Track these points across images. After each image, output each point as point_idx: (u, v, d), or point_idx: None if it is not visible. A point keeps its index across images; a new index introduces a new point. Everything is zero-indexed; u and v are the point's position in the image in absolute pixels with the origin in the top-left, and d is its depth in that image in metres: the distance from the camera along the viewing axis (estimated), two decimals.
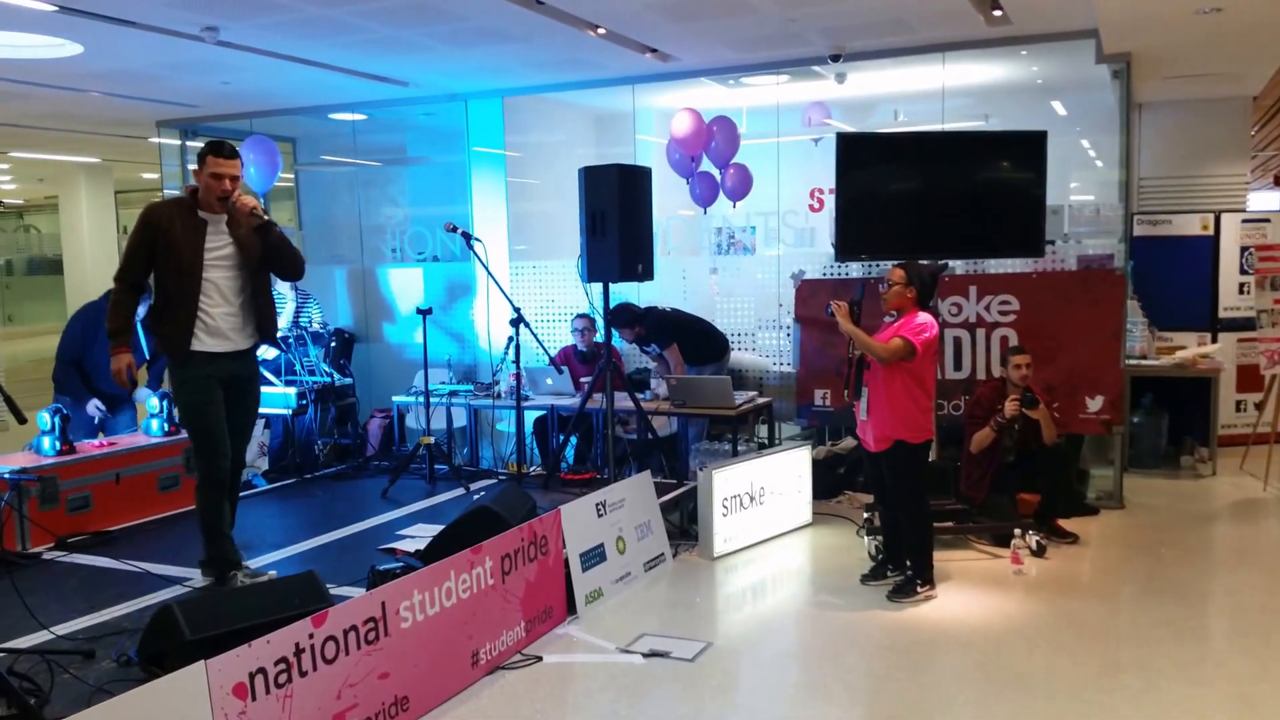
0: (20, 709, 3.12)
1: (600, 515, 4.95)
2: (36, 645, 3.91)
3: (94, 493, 5.74)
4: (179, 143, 9.33)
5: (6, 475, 5.34)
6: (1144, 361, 7.35)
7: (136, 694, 2.73)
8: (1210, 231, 8.11)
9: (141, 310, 5.12)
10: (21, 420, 3.90)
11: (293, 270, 4.94)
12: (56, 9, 5.33)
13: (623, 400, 6.30)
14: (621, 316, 6.85)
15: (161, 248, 4.51)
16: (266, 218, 4.69)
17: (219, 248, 4.59)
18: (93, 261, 12.67)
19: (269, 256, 4.74)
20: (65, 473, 5.62)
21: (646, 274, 6.01)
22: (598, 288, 6.03)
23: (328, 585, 3.98)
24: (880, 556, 5.21)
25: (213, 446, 4.63)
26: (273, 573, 4.84)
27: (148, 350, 6.31)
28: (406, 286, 8.52)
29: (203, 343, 4.56)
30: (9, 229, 18.70)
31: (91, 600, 4.54)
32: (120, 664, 3.75)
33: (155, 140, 9.54)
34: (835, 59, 6.89)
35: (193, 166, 5.02)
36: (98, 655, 3.87)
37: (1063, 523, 5.75)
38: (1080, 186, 8.07)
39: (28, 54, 6.36)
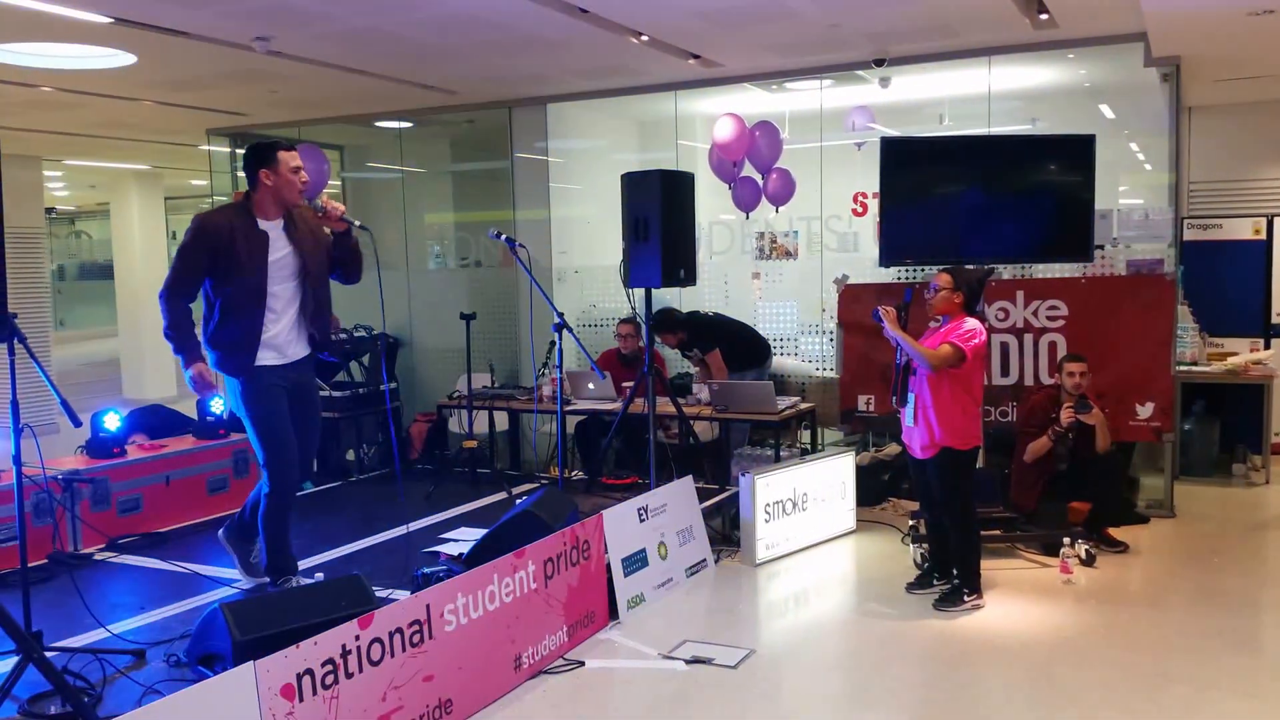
0: (75, 707, 3.18)
1: (642, 520, 4.95)
2: (89, 645, 3.98)
3: (144, 495, 5.84)
4: (228, 150, 9.50)
5: (60, 477, 5.45)
6: (1195, 368, 7.22)
7: (186, 694, 2.77)
8: (1263, 236, 7.95)
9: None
10: (76, 423, 3.98)
11: (358, 273, 4.74)
12: (113, 21, 5.44)
13: (665, 405, 6.30)
14: (663, 322, 6.85)
15: (222, 261, 4.28)
16: (356, 222, 4.55)
17: (281, 257, 4.40)
18: (143, 267, 12.90)
19: (344, 259, 4.59)
20: (116, 475, 5.73)
21: (689, 279, 6.01)
22: (640, 292, 6.03)
23: (373, 588, 4.02)
24: (926, 565, 5.16)
25: (284, 456, 4.48)
26: (319, 575, 4.89)
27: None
28: (450, 291, 8.59)
29: (263, 357, 4.40)
30: (61, 235, 19.10)
31: (142, 601, 4.62)
32: (170, 664, 3.81)
33: (205, 148, 9.72)
34: (879, 64, 6.85)
35: (242, 174, 4.83)
36: (148, 656, 3.93)
37: (1113, 531, 5.66)
38: (1129, 190, 7.94)
39: (83, 65, 6.51)
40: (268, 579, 4.72)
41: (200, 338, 4.44)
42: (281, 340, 4.45)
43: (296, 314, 4.49)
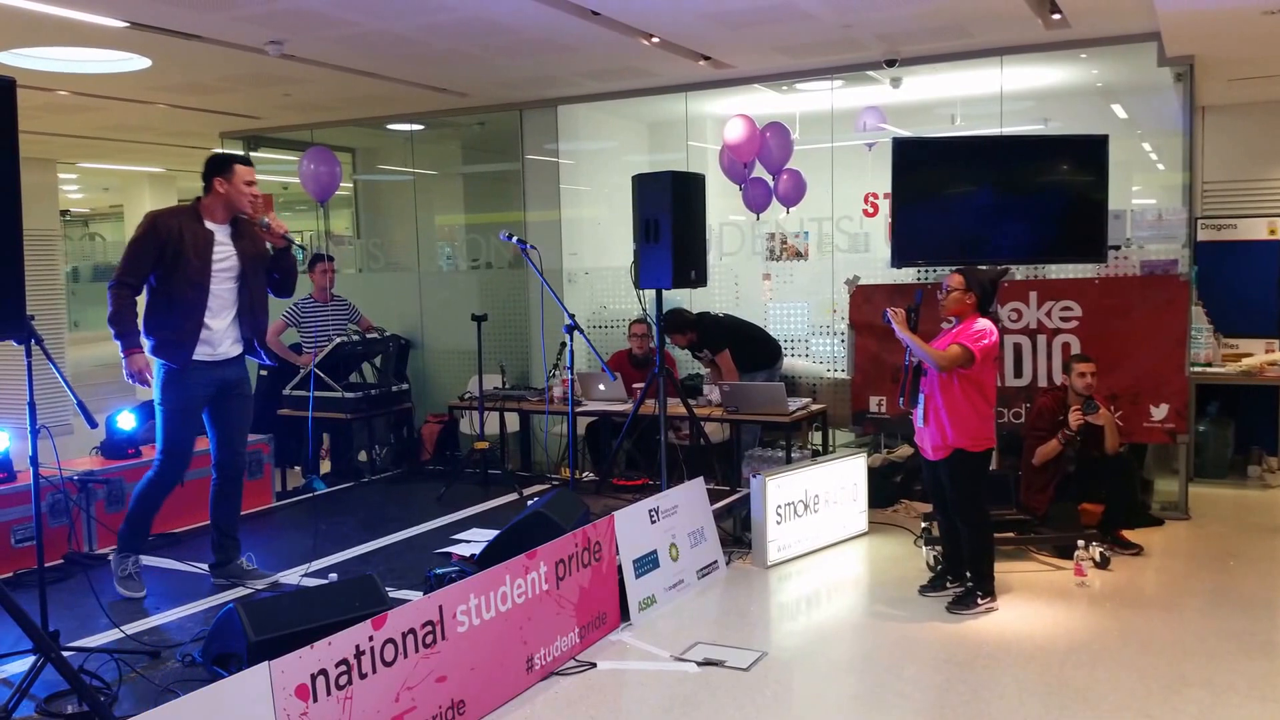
0: (92, 706, 3.19)
1: (653, 521, 4.95)
2: (104, 645, 4.00)
3: None
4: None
5: (75, 478, 5.48)
6: (1209, 369, 7.19)
7: (201, 694, 2.79)
8: (1277, 236, 7.91)
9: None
10: (92, 424, 4.00)
11: (292, 288, 4.99)
12: (128, 25, 5.48)
13: (675, 406, 6.30)
14: (674, 322, 6.85)
15: (170, 256, 4.51)
16: (294, 242, 4.82)
17: (223, 259, 4.63)
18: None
19: (280, 274, 4.84)
20: (131, 476, 5.74)
21: (700, 280, 6.01)
22: (650, 294, 6.04)
23: (385, 588, 4.03)
24: (939, 567, 5.14)
25: (178, 451, 4.71)
26: (333, 575, 4.91)
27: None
28: (461, 293, 8.61)
29: (197, 352, 4.61)
30: (75, 237, 19.20)
31: (156, 601, 4.64)
32: (185, 664, 3.83)
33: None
34: (891, 64, 6.84)
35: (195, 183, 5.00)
36: (163, 655, 3.95)
37: (1127, 533, 5.64)
38: (1142, 191, 7.90)
39: (98, 68, 6.55)
40: (270, 578, 4.86)
41: (140, 326, 4.67)
42: (216, 338, 4.67)
43: (233, 315, 4.72)
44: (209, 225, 4.62)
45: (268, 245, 4.82)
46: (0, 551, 4.97)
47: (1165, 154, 7.37)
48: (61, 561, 5.19)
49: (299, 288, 5.28)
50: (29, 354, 3.63)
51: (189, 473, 6.00)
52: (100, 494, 5.56)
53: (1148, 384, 6.05)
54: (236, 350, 4.78)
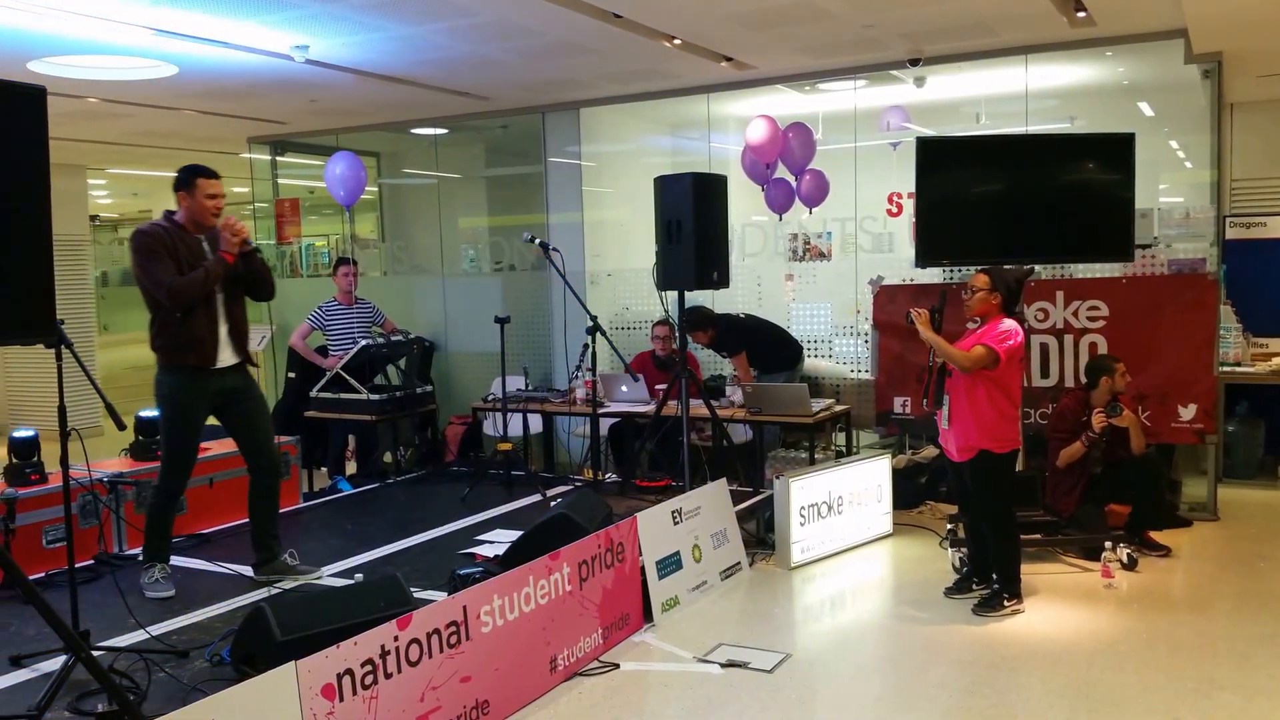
0: (121, 705, 3.23)
1: (676, 523, 4.95)
2: (134, 644, 4.04)
3: (188, 496, 5.91)
4: (269, 158, 9.63)
5: (105, 479, 5.54)
6: (1238, 368, 7.11)
7: (229, 693, 2.81)
8: None
9: None
10: (121, 426, 4.05)
11: (270, 290, 4.98)
12: (154, 32, 5.54)
13: (698, 407, 6.29)
14: (694, 320, 6.83)
15: (169, 264, 4.57)
16: (254, 245, 4.86)
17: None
18: None
19: (251, 279, 4.85)
20: None
21: (722, 281, 6.01)
22: (672, 295, 6.04)
23: (410, 589, 4.05)
24: (965, 569, 5.11)
25: (182, 462, 4.80)
26: (358, 576, 4.94)
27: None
28: (485, 295, 8.64)
29: (199, 359, 4.67)
30: (104, 242, 19.40)
31: (185, 601, 4.69)
32: (213, 664, 3.86)
33: (246, 155, 9.86)
34: (914, 63, 6.81)
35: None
36: (191, 655, 3.99)
37: (1154, 535, 5.59)
38: (1169, 189, 7.82)
39: (126, 75, 6.63)
40: (315, 574, 4.94)
41: (150, 342, 4.74)
42: (215, 347, 4.72)
43: (224, 323, 4.77)
44: (193, 236, 4.70)
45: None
46: (32, 552, 5.04)
47: (1193, 151, 7.30)
48: (91, 562, 5.25)
49: (324, 291, 5.32)
50: (59, 357, 3.68)
51: (217, 475, 6.12)
52: (129, 495, 5.62)
53: (1176, 384, 5.99)
54: (234, 359, 4.83)
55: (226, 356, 4.78)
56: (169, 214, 4.75)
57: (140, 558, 4.94)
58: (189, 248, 4.65)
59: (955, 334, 4.92)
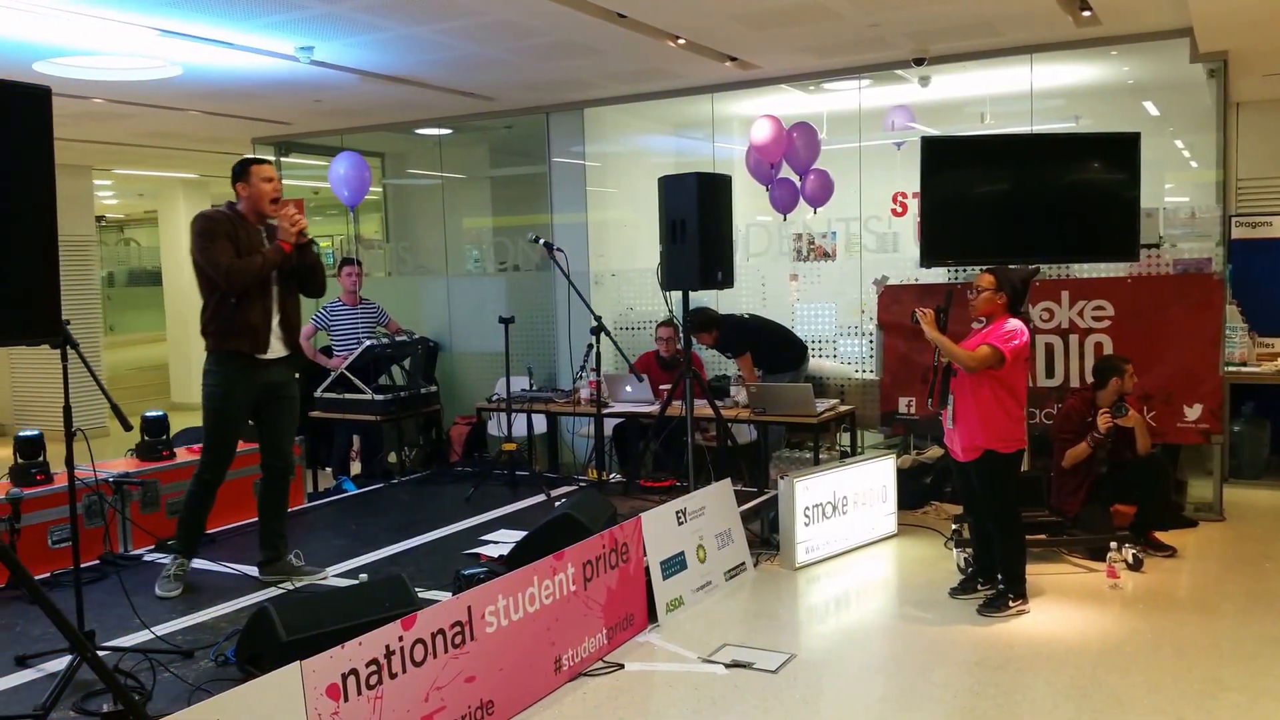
0: (126, 705, 3.23)
1: (680, 523, 4.95)
2: (139, 644, 4.05)
3: None
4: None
5: (111, 479, 5.55)
6: (1244, 368, 7.09)
7: (234, 693, 2.81)
8: None
9: None
10: (127, 427, 4.06)
11: (321, 286, 5.03)
12: (159, 33, 5.55)
13: (703, 407, 6.29)
14: (698, 320, 6.83)
15: (234, 250, 4.62)
16: (311, 238, 4.88)
17: None
18: (190, 273, 13.09)
19: (304, 273, 4.88)
20: (166, 477, 5.82)
21: (726, 281, 6.00)
22: (677, 295, 6.04)
23: (415, 589, 4.05)
24: (970, 569, 5.10)
25: (224, 453, 4.82)
26: (363, 576, 4.95)
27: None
28: (489, 296, 8.65)
29: (248, 346, 4.69)
30: (111, 242, 19.46)
31: (190, 601, 4.69)
32: (218, 664, 3.87)
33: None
34: (919, 62, 6.80)
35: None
36: (196, 655, 4.00)
37: (1160, 535, 5.57)
38: (1175, 188, 7.81)
39: (132, 76, 6.64)
40: (320, 574, 4.94)
41: (202, 326, 4.75)
42: (265, 337, 4.74)
43: (276, 314, 4.79)
44: (253, 226, 4.76)
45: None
46: (37, 552, 5.05)
47: (1198, 151, 7.28)
48: (97, 562, 5.26)
49: (328, 291, 5.33)
50: (65, 358, 3.69)
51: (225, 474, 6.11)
52: (135, 495, 5.63)
53: (1181, 384, 5.98)
54: (283, 352, 4.85)
55: (277, 348, 4.80)
56: (230, 204, 4.83)
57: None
58: (249, 235, 4.70)
59: (960, 334, 4.91)
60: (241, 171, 4.75)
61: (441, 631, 3.43)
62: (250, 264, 4.60)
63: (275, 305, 4.77)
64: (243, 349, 4.69)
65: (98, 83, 6.77)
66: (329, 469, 7.65)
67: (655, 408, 6.68)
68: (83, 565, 4.04)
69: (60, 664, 3.74)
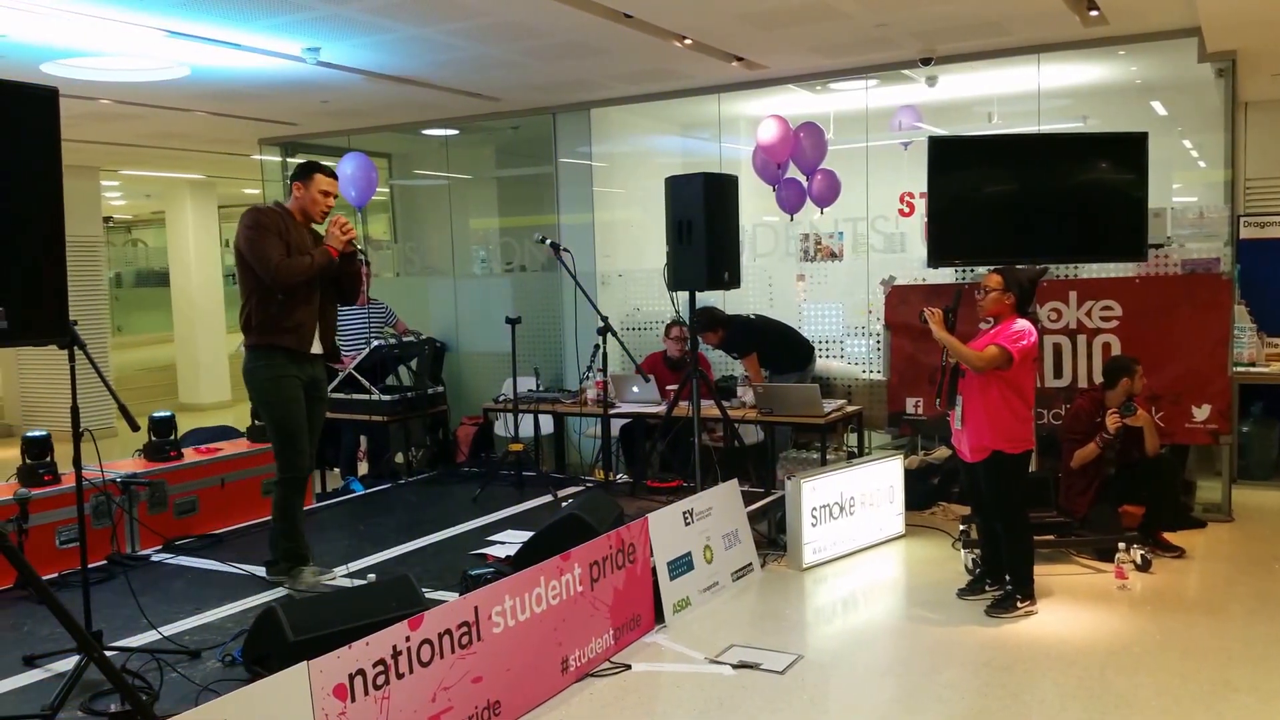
0: (134, 705, 3.24)
1: (687, 524, 4.94)
2: (147, 644, 4.06)
3: (200, 497, 5.95)
4: (280, 159, 9.66)
5: (118, 480, 5.57)
6: (1253, 369, 7.06)
7: (241, 694, 2.82)
8: None
9: None
10: (134, 427, 4.07)
11: (357, 296, 5.07)
12: (166, 34, 5.56)
13: (709, 408, 6.28)
14: (703, 320, 6.82)
15: (280, 246, 4.65)
16: (360, 247, 4.91)
17: None
18: (198, 274, 13.18)
19: (344, 280, 4.90)
20: (173, 478, 5.83)
21: (733, 282, 6.00)
22: (683, 295, 6.03)
23: (422, 589, 4.05)
24: (977, 570, 5.09)
25: (298, 446, 4.80)
26: (371, 576, 4.95)
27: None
28: (496, 296, 8.65)
29: (291, 342, 4.72)
30: (118, 243, 19.53)
31: (198, 601, 4.70)
32: (225, 664, 3.87)
33: (257, 157, 9.89)
34: (926, 62, 6.79)
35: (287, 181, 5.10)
36: (203, 655, 4.00)
37: (1168, 536, 5.55)
38: (1183, 188, 7.78)
39: (139, 77, 6.65)
40: (327, 574, 4.92)
41: (243, 321, 4.75)
42: (306, 333, 4.76)
43: (318, 314, 4.81)
44: (302, 226, 4.80)
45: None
46: (45, 553, 5.06)
47: (1206, 151, 7.26)
48: (104, 563, 5.27)
49: None
50: (72, 358, 3.70)
51: (229, 475, 6.14)
52: (143, 496, 5.64)
53: (1190, 384, 5.96)
54: (319, 349, 4.89)
55: (316, 347, 4.84)
56: (279, 203, 4.86)
57: (273, 563, 4.93)
58: (300, 235, 4.74)
59: (968, 334, 4.90)
60: (304, 174, 4.77)
61: (449, 632, 3.43)
62: (299, 263, 4.62)
63: (318, 308, 4.79)
64: (288, 344, 4.70)
65: (105, 84, 6.79)
66: (336, 469, 7.66)
67: (662, 408, 6.68)
68: (90, 565, 4.05)
69: (68, 664, 3.75)
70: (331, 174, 4.83)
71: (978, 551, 5.14)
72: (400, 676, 3.21)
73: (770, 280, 7.68)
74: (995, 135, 6.70)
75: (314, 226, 4.87)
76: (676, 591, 4.73)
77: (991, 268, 4.87)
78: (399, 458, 7.79)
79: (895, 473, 6.00)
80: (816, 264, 7.56)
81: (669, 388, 6.76)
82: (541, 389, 7.60)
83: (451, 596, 4.10)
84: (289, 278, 4.59)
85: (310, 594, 4.60)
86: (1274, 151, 8.28)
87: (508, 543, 5.38)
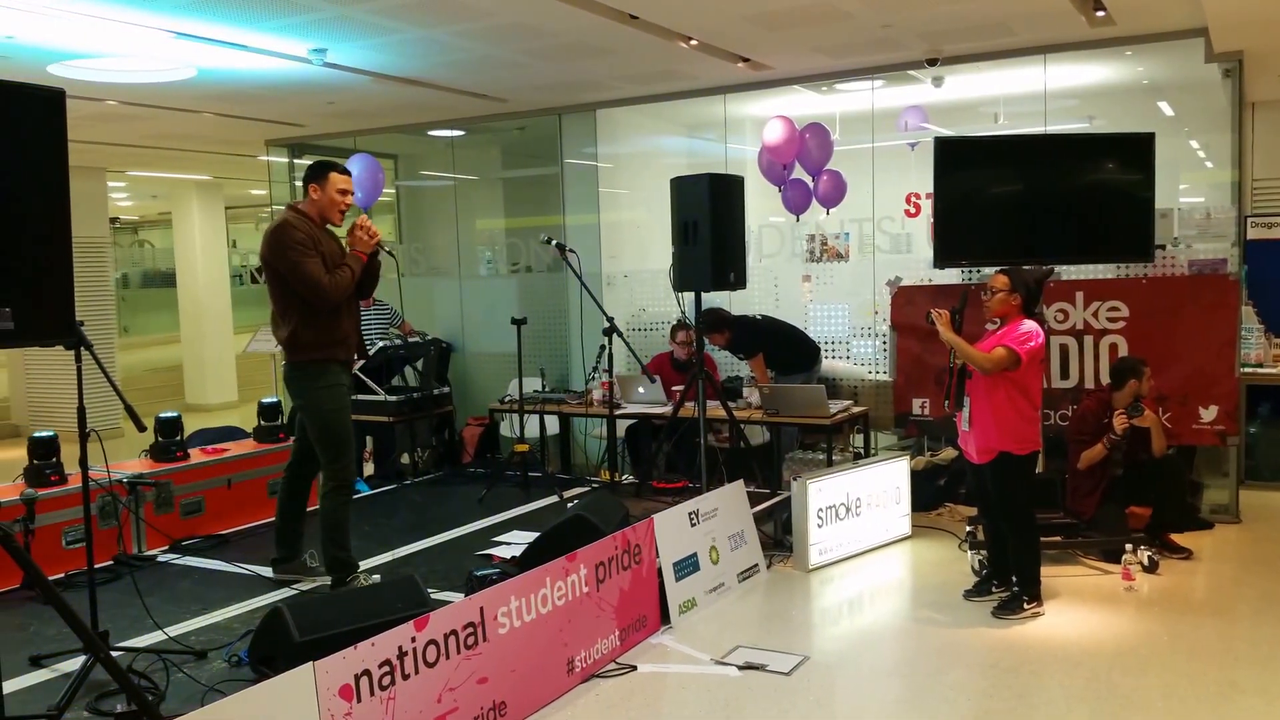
0: (140, 705, 3.25)
1: (693, 524, 4.93)
2: (153, 645, 4.06)
3: (206, 497, 5.96)
4: (286, 160, 9.68)
5: (124, 480, 5.58)
6: (1260, 369, 7.04)
7: (247, 694, 2.82)
8: None
9: None
10: (141, 428, 4.08)
11: (373, 289, 5.03)
12: (173, 35, 5.57)
13: (715, 408, 6.28)
14: (709, 321, 6.82)
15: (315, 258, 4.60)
16: (384, 246, 4.85)
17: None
18: (204, 274, 13.20)
19: (366, 277, 4.85)
20: (179, 478, 5.85)
21: (739, 283, 5.99)
22: (689, 296, 6.03)
23: (428, 590, 4.05)
24: (984, 571, 5.08)
25: (350, 452, 4.81)
26: (376, 576, 4.95)
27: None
28: (502, 297, 8.66)
29: (338, 353, 4.71)
30: (125, 244, 19.58)
31: (203, 601, 4.71)
32: (231, 664, 3.88)
33: (264, 158, 9.92)
34: (932, 63, 6.78)
35: (299, 183, 5.07)
36: (209, 655, 4.01)
37: (1175, 537, 5.53)
38: (1190, 189, 7.76)
39: (145, 78, 6.67)
40: (328, 577, 4.89)
41: (280, 337, 4.67)
42: (352, 343, 4.78)
43: (353, 318, 4.80)
44: (327, 232, 4.71)
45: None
46: (51, 553, 5.08)
47: (1213, 151, 7.23)
48: (110, 563, 5.28)
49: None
50: (79, 359, 3.71)
51: (235, 476, 6.15)
52: (149, 496, 5.66)
53: (1197, 385, 5.94)
54: (353, 354, 4.90)
55: (352, 352, 4.87)
56: (293, 206, 4.72)
57: (278, 561, 4.96)
58: (330, 245, 4.68)
59: (975, 335, 4.89)
60: (319, 174, 4.66)
61: (454, 632, 3.43)
62: (343, 279, 4.57)
63: (352, 311, 4.79)
64: (341, 356, 4.70)
65: (112, 85, 6.81)
66: None
67: (668, 409, 6.68)
68: (96, 566, 4.06)
69: (74, 664, 3.76)
70: (346, 171, 4.74)
71: (984, 553, 5.13)
72: (406, 677, 3.21)
73: (776, 281, 7.67)
74: (1001, 136, 6.69)
75: (329, 228, 4.76)
76: (682, 592, 4.72)
77: (998, 268, 4.85)
78: (405, 458, 7.80)
79: (901, 474, 5.99)
80: (822, 265, 7.55)
81: (675, 388, 6.76)
82: (547, 390, 7.61)
83: (457, 597, 4.11)
84: (338, 296, 4.55)
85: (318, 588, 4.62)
86: None
87: (513, 543, 5.39)
